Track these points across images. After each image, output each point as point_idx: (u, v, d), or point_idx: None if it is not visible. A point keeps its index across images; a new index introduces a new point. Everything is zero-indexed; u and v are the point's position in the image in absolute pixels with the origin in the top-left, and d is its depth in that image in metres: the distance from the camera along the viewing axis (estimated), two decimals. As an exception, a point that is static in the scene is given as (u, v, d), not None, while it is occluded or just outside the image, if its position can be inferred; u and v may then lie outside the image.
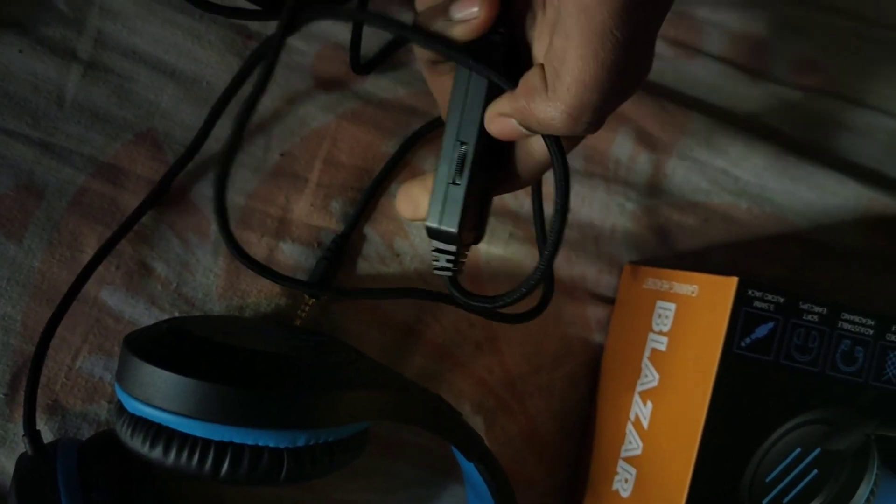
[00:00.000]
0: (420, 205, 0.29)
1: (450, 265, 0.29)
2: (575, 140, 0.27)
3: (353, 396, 0.30)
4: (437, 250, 0.29)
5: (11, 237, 0.34)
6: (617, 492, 0.36)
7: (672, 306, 0.35)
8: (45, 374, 0.35)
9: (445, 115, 0.27)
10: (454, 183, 0.27)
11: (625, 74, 0.22)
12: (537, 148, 0.27)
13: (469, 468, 0.35)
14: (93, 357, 0.35)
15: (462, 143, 0.27)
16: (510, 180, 0.29)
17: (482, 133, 0.27)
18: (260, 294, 0.36)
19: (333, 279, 0.37)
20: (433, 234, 0.28)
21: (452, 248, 0.29)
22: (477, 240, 0.30)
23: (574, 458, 0.40)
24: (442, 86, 0.28)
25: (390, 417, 0.32)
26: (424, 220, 0.28)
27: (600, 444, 0.39)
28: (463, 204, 0.27)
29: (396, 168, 0.38)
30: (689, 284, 0.34)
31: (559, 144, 0.26)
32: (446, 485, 0.39)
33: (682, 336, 0.34)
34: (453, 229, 0.28)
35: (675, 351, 0.34)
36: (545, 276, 0.31)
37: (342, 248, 0.37)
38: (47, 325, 0.33)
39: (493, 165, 0.28)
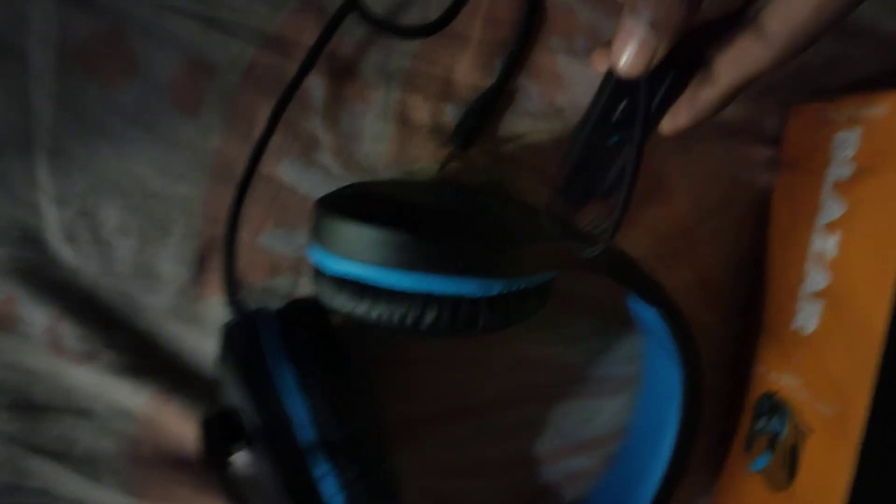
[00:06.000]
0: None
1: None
2: None
3: (542, 247, 0.30)
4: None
5: (188, 116, 0.34)
6: (797, 331, 0.36)
7: (856, 132, 0.34)
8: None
9: None
10: None
11: None
12: None
13: (650, 316, 0.35)
14: (272, 232, 0.36)
15: None
16: None
17: None
18: (431, 158, 0.36)
19: (480, 132, 0.36)
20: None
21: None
22: None
23: (747, 304, 0.40)
24: None
25: (577, 267, 0.32)
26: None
27: (776, 286, 0.38)
28: None
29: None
30: (877, 105, 0.33)
31: None
32: (623, 335, 0.39)
33: (871, 159, 0.33)
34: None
35: (865, 175, 0.34)
36: None
37: (493, 101, 0.36)
38: (237, 196, 0.33)
39: None
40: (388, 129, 0.36)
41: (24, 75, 0.33)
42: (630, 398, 0.40)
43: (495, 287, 0.28)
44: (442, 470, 0.37)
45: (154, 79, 0.34)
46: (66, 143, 0.34)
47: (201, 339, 0.35)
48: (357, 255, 0.28)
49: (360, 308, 0.28)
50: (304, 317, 0.31)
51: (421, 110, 0.36)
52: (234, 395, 0.28)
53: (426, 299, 0.27)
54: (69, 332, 0.34)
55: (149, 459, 0.35)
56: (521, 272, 0.29)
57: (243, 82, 0.35)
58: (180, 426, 0.34)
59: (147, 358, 0.35)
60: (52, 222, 0.34)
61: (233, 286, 0.32)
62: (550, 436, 0.39)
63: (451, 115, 0.36)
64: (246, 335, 0.29)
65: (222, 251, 0.34)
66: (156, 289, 0.35)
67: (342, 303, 0.28)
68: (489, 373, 0.38)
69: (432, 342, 0.37)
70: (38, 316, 0.34)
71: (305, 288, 0.36)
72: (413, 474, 0.36)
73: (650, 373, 0.39)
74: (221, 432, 0.27)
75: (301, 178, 0.35)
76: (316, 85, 0.35)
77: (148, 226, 0.35)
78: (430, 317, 0.27)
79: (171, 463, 0.35)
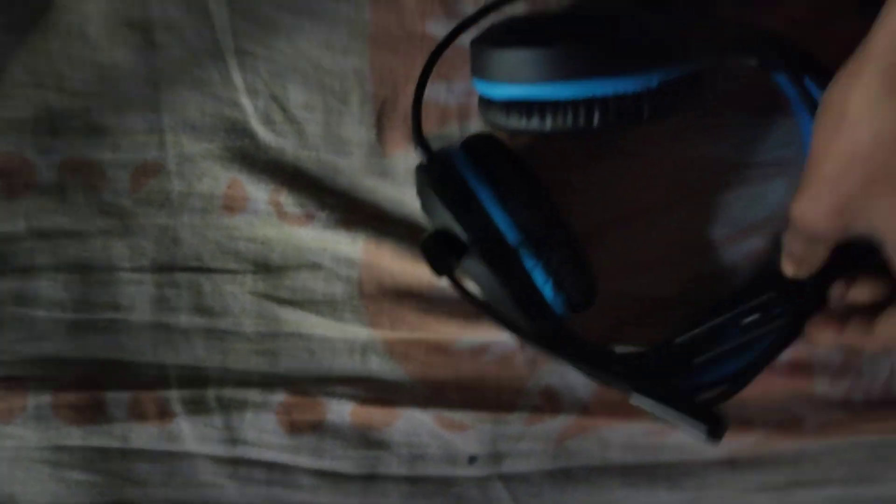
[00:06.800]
0: None
1: None
2: None
3: (682, 35, 0.32)
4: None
5: (342, -3, 0.38)
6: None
7: None
8: (401, 111, 0.40)
9: None
10: None
11: None
12: None
13: (795, 92, 0.35)
14: (435, 86, 0.39)
15: None
16: None
17: None
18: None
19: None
20: None
21: None
22: None
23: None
24: None
25: (728, 50, 0.33)
26: None
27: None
28: None
29: None
30: None
31: None
32: (776, 119, 0.41)
33: None
34: None
35: None
36: None
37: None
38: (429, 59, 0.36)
39: None
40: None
41: (201, -9, 0.39)
42: (792, 179, 0.41)
43: (653, 80, 0.31)
44: (626, 269, 0.41)
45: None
46: (246, 42, 0.39)
47: (394, 189, 0.40)
48: (522, 77, 0.31)
49: (533, 123, 0.31)
50: (485, 144, 0.35)
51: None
52: (445, 217, 0.33)
53: (590, 102, 0.31)
54: (288, 201, 0.40)
55: (375, 295, 0.41)
56: (672, 60, 0.31)
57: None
58: (394, 263, 0.40)
59: (353, 212, 0.40)
60: (250, 112, 0.40)
61: (421, 137, 0.36)
62: (720, 224, 0.42)
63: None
64: (443, 165, 0.34)
65: (397, 111, 0.39)
66: (347, 152, 0.40)
67: (516, 123, 0.32)
68: (654, 175, 0.41)
69: (594, 161, 0.40)
70: (260, 192, 0.40)
71: (473, 130, 0.40)
72: (600, 277, 0.40)
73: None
74: (441, 247, 0.32)
75: (446, 30, 0.39)
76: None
77: (329, 98, 0.40)
78: (598, 115, 0.31)
79: (394, 295, 0.41)
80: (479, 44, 0.33)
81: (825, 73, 0.34)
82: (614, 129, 0.32)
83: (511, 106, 0.32)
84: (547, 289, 0.33)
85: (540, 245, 0.32)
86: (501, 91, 0.32)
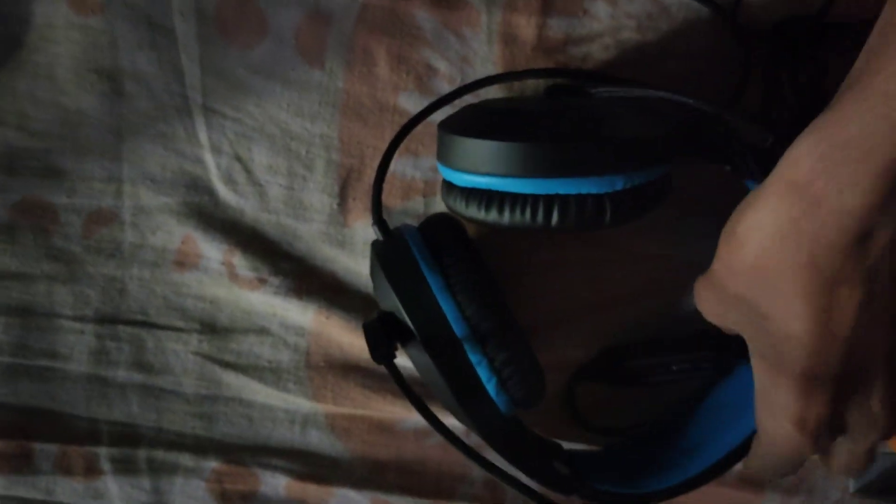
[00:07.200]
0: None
1: None
2: None
3: (654, 138, 0.32)
4: None
5: (315, 64, 0.38)
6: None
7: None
8: (366, 181, 0.39)
9: None
10: None
11: None
12: None
13: None
14: (402, 159, 0.39)
15: None
16: None
17: None
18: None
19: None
20: None
21: None
22: None
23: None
24: None
25: (689, 153, 0.34)
26: None
27: None
28: None
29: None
30: None
31: None
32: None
33: None
34: None
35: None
36: None
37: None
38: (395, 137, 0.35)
39: None
40: (494, 51, 0.38)
41: (174, 47, 0.38)
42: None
43: (617, 183, 0.30)
44: (574, 365, 0.40)
45: (281, 34, 0.38)
46: (215, 101, 0.39)
47: (351, 259, 0.40)
48: (483, 169, 0.31)
49: (491, 215, 0.31)
50: (443, 228, 0.35)
51: (525, 28, 0.38)
52: (391, 300, 0.32)
53: (551, 199, 0.30)
54: (242, 263, 0.39)
55: (321, 367, 0.40)
56: (639, 166, 0.31)
57: (357, 24, 0.38)
58: (343, 336, 0.39)
59: (307, 280, 0.39)
60: (213, 170, 0.39)
61: (379, 211, 0.35)
62: (681, 326, 0.41)
63: (554, 28, 0.38)
64: (397, 247, 0.33)
65: (362, 181, 0.39)
66: (307, 218, 0.39)
67: (474, 212, 0.32)
68: (615, 271, 0.40)
69: (557, 248, 0.40)
70: (213, 251, 0.39)
71: (437, 207, 0.40)
72: (548, 371, 0.39)
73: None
74: (383, 332, 0.32)
75: (420, 106, 0.39)
76: (427, 17, 0.38)
77: (294, 163, 0.39)
78: (557, 215, 0.30)
79: (341, 369, 0.40)
80: (446, 128, 0.32)
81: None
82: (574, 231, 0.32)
83: (471, 194, 0.32)
84: (491, 386, 0.32)
85: (486, 341, 0.32)
86: (462, 179, 0.32)
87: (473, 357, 0.31)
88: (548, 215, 0.30)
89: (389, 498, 0.39)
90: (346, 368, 0.40)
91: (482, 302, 0.32)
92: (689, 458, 0.37)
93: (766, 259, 0.27)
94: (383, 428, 0.40)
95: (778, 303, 0.27)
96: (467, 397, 0.32)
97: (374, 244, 0.35)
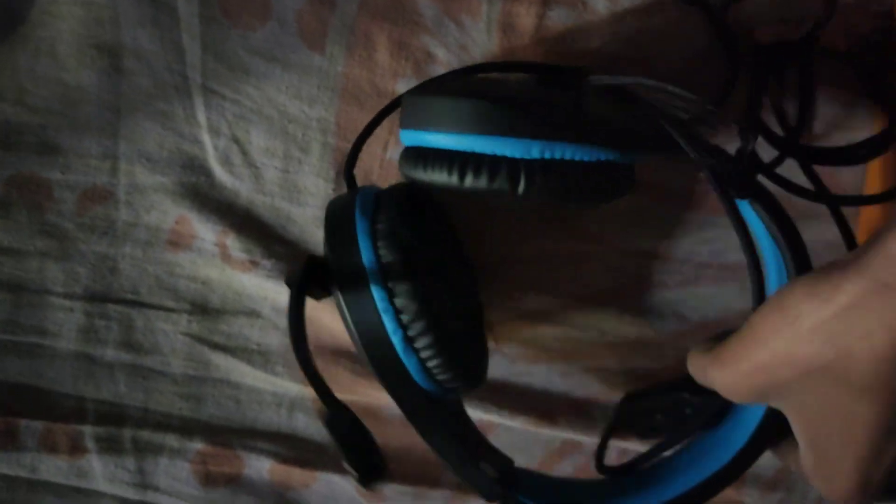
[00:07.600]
0: None
1: None
2: None
3: (597, 118, 0.30)
4: None
5: (315, 48, 0.38)
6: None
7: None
8: (363, 168, 0.39)
9: None
10: None
11: None
12: None
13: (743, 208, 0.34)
14: (397, 147, 0.39)
15: None
16: None
17: None
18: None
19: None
20: None
21: None
22: None
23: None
24: None
25: (650, 149, 0.32)
26: None
27: None
28: None
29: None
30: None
31: None
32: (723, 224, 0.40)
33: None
34: None
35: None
36: None
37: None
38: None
39: None
40: (492, 40, 0.38)
41: (176, 26, 0.38)
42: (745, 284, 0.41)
43: (533, 149, 0.29)
44: (567, 354, 0.40)
45: (284, 17, 0.38)
46: (214, 81, 0.39)
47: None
48: (414, 125, 0.31)
49: (418, 172, 0.30)
50: (403, 191, 0.34)
51: (525, 17, 0.38)
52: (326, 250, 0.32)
53: (466, 157, 0.29)
54: (235, 245, 0.39)
55: (311, 351, 0.39)
56: (566, 139, 0.29)
57: (360, 10, 0.38)
58: (334, 321, 0.39)
59: (299, 263, 0.39)
60: (210, 150, 0.39)
61: (350, 171, 0.35)
62: (668, 320, 0.41)
63: (554, 19, 0.38)
64: (346, 198, 0.33)
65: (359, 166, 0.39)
66: (302, 202, 0.39)
67: (405, 169, 0.31)
68: (601, 266, 0.40)
69: (543, 241, 0.40)
70: (207, 232, 0.39)
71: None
72: (529, 359, 0.39)
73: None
74: (311, 277, 0.31)
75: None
76: (426, 4, 0.38)
77: (291, 146, 0.39)
78: (471, 174, 0.29)
79: (330, 353, 0.39)
80: (408, 94, 0.33)
81: (763, 196, 0.33)
82: (490, 196, 0.31)
83: (407, 152, 0.32)
84: (402, 348, 0.31)
85: (399, 294, 0.31)
86: (406, 136, 0.32)
87: (383, 304, 0.31)
88: (462, 174, 0.29)
89: (374, 484, 0.39)
90: (336, 353, 0.39)
91: (405, 259, 0.31)
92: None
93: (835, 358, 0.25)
94: (370, 413, 0.39)
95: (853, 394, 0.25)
96: (374, 347, 0.31)
97: (331, 200, 0.34)
